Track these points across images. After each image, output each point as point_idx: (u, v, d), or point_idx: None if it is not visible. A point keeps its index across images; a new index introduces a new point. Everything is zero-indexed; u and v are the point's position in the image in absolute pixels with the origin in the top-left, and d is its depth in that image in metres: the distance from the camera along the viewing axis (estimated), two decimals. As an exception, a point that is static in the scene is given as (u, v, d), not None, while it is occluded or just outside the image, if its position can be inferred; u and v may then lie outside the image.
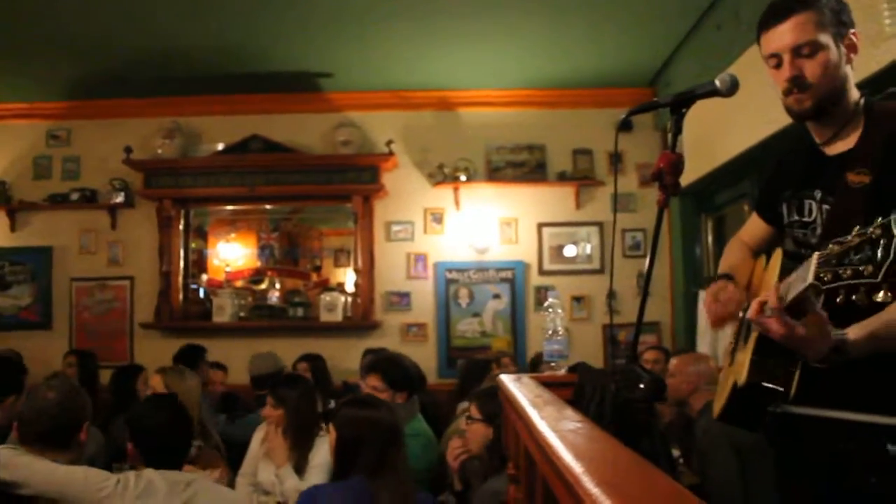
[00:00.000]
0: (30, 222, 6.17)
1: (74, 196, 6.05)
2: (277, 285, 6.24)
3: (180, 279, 5.99)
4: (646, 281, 1.83)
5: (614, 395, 2.03)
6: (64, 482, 2.39)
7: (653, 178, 1.74)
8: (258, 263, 6.30)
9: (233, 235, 6.35)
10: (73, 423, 2.59)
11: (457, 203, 5.90)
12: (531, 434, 1.46)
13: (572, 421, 1.44)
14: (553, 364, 3.27)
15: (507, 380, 2.35)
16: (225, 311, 5.78)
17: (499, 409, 2.66)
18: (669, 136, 1.77)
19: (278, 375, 5.00)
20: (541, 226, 5.93)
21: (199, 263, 6.26)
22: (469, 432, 2.86)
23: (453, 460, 3.13)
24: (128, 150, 5.83)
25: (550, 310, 3.37)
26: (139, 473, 2.48)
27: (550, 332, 3.31)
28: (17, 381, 3.08)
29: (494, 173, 5.97)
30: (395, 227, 5.93)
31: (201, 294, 6.14)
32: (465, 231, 5.89)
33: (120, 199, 6.00)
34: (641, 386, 1.62)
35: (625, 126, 5.88)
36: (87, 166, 6.17)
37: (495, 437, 2.71)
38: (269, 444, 3.51)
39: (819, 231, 1.74)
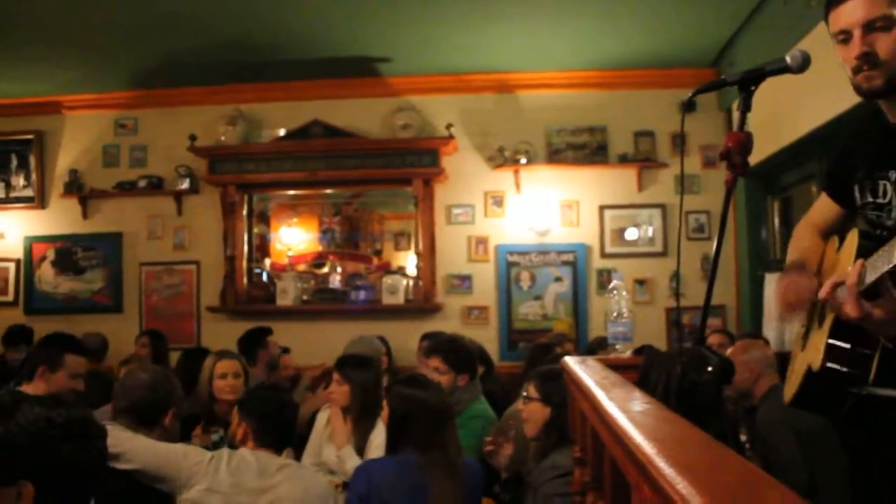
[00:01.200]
0: (100, 209, 6.42)
1: (142, 183, 6.26)
2: (339, 269, 6.35)
3: (244, 263, 6.16)
4: (713, 263, 1.83)
5: (681, 377, 2.05)
6: (164, 458, 2.54)
7: (721, 157, 1.74)
8: (320, 247, 6.43)
9: (294, 220, 6.50)
10: (160, 405, 2.75)
11: (517, 186, 5.93)
12: (600, 416, 1.46)
13: (641, 402, 1.46)
14: (618, 347, 3.29)
15: (572, 362, 2.37)
16: (288, 294, 5.93)
17: (557, 389, 2.70)
18: (737, 114, 1.76)
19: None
20: (602, 208, 5.93)
21: (262, 248, 6.42)
22: (526, 412, 2.90)
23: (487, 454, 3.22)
24: (192, 137, 6.01)
25: (615, 292, 3.39)
26: (234, 453, 2.61)
27: (615, 314, 3.34)
28: (55, 354, 3.23)
29: (555, 156, 5.98)
30: (455, 211, 5.99)
31: (265, 278, 6.28)
32: (525, 214, 5.92)
33: (185, 185, 6.19)
34: (710, 368, 1.61)
35: (689, 107, 5.81)
36: (153, 154, 6.38)
37: (552, 416, 2.74)
38: (332, 426, 3.60)
39: (894, 213, 1.73)
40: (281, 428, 2.72)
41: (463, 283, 5.97)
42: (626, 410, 1.31)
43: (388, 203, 6.43)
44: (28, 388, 3.03)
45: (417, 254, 5.93)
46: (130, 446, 2.51)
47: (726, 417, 3.26)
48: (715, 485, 0.81)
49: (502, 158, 5.91)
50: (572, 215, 5.95)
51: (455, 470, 2.59)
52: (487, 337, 5.69)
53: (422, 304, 5.86)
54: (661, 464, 0.88)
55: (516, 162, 5.87)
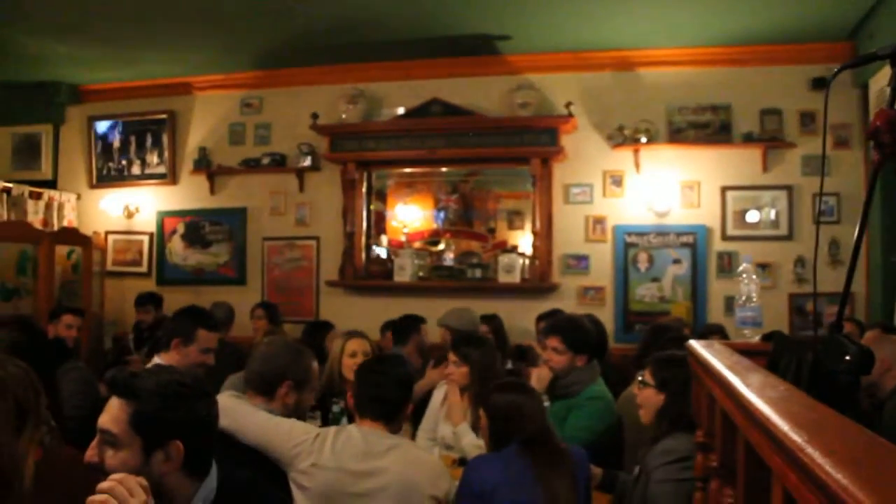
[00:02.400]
0: (227, 185, 6.74)
1: (266, 160, 6.52)
2: (453, 247, 6.45)
3: (363, 239, 6.34)
4: (855, 248, 1.74)
5: (814, 365, 2.01)
6: (272, 433, 2.60)
7: (868, 137, 1.67)
8: (434, 225, 6.55)
9: (411, 198, 6.61)
10: (274, 376, 2.76)
11: (637, 165, 5.88)
12: (737, 401, 1.41)
13: (781, 388, 1.41)
14: (746, 332, 3.24)
15: (698, 346, 2.35)
16: (405, 270, 6.07)
17: (673, 376, 2.69)
18: (887, 90, 1.69)
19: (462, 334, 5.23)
20: (724, 189, 5.81)
21: (378, 225, 6.57)
22: (640, 397, 2.88)
23: None
24: (314, 116, 6.21)
25: (744, 275, 3.33)
26: (342, 429, 2.65)
27: (743, 298, 3.28)
28: (188, 328, 3.37)
29: (676, 135, 5.89)
30: (573, 190, 5.99)
31: (382, 254, 6.44)
32: (645, 194, 5.87)
33: (307, 162, 6.41)
34: (847, 357, 1.54)
35: (818, 84, 5.64)
36: (276, 132, 6.64)
37: (666, 403, 2.72)
38: (449, 403, 3.68)
39: None
40: (386, 402, 2.66)
41: (580, 262, 5.97)
42: (766, 396, 1.26)
43: (504, 182, 6.47)
44: (164, 359, 3.21)
45: (534, 233, 5.96)
46: (246, 422, 2.59)
47: (862, 409, 3.16)
48: (873, 474, 0.79)
49: (622, 137, 5.86)
50: (693, 196, 5.85)
51: (563, 458, 2.59)
52: (603, 318, 5.62)
53: (537, 284, 5.89)
54: (812, 451, 0.87)
55: (636, 141, 5.82)
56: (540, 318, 5.33)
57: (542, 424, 2.69)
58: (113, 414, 1.67)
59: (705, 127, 5.87)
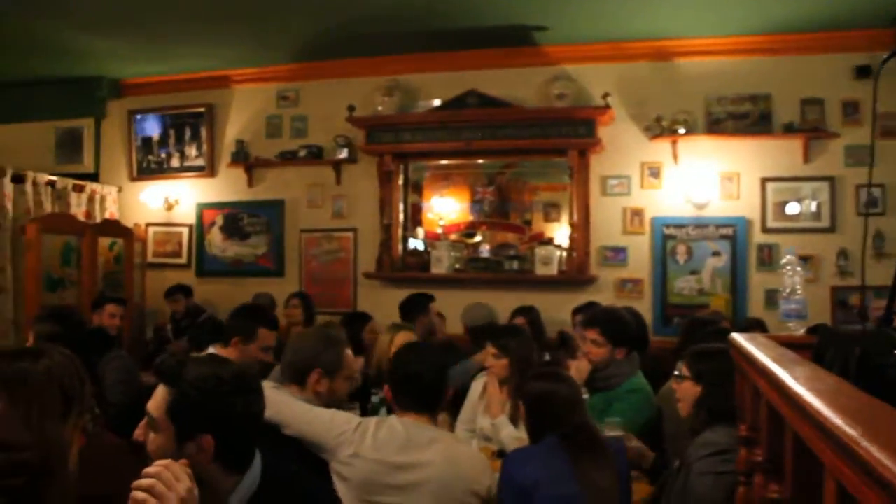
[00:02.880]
0: (264, 178, 6.83)
1: (302, 153, 6.59)
2: (489, 238, 6.47)
3: (400, 231, 6.38)
4: None
5: (861, 359, 1.98)
6: (313, 423, 2.61)
7: None
8: (471, 217, 6.56)
9: (447, 190, 6.63)
10: (304, 364, 2.79)
11: (675, 157, 5.84)
12: (784, 394, 1.41)
13: (829, 381, 1.40)
14: (790, 325, 3.22)
15: (741, 339, 2.33)
16: (442, 262, 6.10)
17: (709, 368, 2.68)
18: None
19: (494, 326, 5.26)
20: (764, 180, 5.75)
21: (415, 217, 6.61)
22: (679, 391, 2.87)
23: None
24: (350, 108, 6.26)
25: (788, 268, 3.32)
26: (383, 420, 2.64)
27: (787, 290, 3.27)
28: (249, 327, 3.43)
29: (715, 125, 5.84)
30: (611, 182, 5.97)
31: (419, 246, 6.47)
32: (683, 186, 5.83)
33: (343, 154, 6.47)
34: None
35: (862, 72, 5.55)
36: (313, 124, 6.71)
37: (703, 395, 2.71)
38: (487, 394, 3.70)
39: None
40: (417, 391, 2.64)
41: (617, 255, 5.95)
42: (815, 388, 1.25)
43: (540, 173, 6.45)
44: (222, 353, 3.26)
45: (571, 225, 5.95)
46: (288, 413, 2.60)
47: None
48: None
49: (660, 128, 5.83)
50: (732, 188, 5.80)
51: (603, 450, 2.60)
52: (641, 311, 5.60)
53: (575, 276, 5.89)
54: (868, 445, 0.87)
55: (674, 132, 5.77)
56: (576, 311, 5.33)
57: (579, 413, 2.70)
58: (157, 399, 1.73)
59: (744, 117, 5.81)
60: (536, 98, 6.11)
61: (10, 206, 5.96)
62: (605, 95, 5.75)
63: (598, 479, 2.48)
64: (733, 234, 5.75)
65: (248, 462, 1.77)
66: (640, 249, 5.92)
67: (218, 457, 1.69)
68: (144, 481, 1.37)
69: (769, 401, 1.63)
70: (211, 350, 3.40)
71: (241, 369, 1.82)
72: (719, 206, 5.80)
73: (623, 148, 5.96)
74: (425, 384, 2.65)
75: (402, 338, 3.89)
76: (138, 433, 1.76)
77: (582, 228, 5.91)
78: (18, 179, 6.09)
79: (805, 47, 5.67)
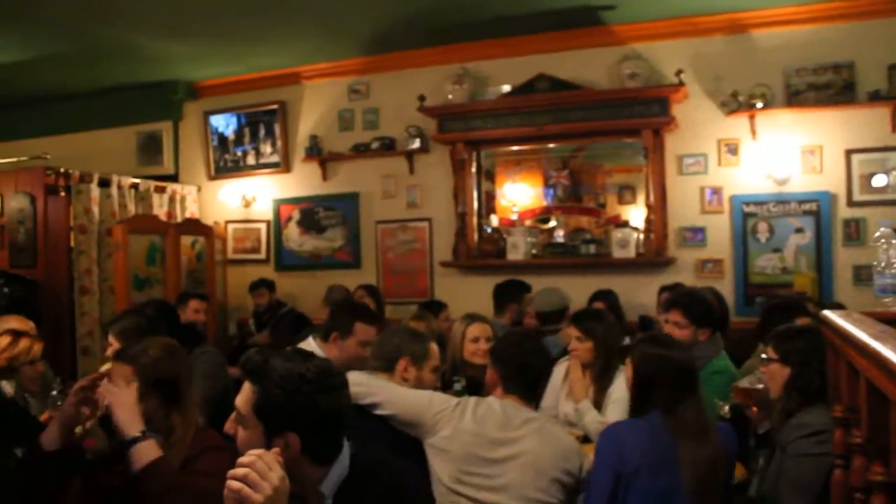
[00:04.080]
0: (338, 171, 6.98)
1: (375, 145, 6.70)
2: (563, 223, 6.47)
3: (474, 219, 6.43)
4: None
5: None
6: (412, 404, 2.74)
7: None
8: (543, 203, 6.55)
9: (519, 175, 6.65)
10: (392, 353, 3.00)
11: (753, 132, 5.72)
12: (888, 372, 1.40)
13: None
14: (886, 300, 3.14)
15: (835, 316, 2.29)
16: (518, 249, 6.13)
17: (795, 348, 2.65)
18: None
19: (564, 312, 5.28)
20: (849, 152, 5.58)
21: (488, 204, 6.65)
22: (767, 374, 2.83)
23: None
24: (421, 98, 6.33)
25: (883, 241, 3.23)
26: (482, 400, 2.72)
27: (882, 265, 3.18)
28: (347, 323, 3.52)
29: (794, 98, 5.70)
30: (686, 161, 5.89)
31: (495, 234, 6.49)
32: (762, 162, 5.71)
33: (416, 145, 6.54)
34: None
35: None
36: (385, 116, 6.81)
37: (792, 376, 2.66)
38: (571, 379, 3.70)
39: None
40: (528, 375, 2.77)
41: (696, 235, 5.87)
42: None
43: (613, 155, 6.42)
44: (323, 350, 3.39)
45: (647, 206, 5.90)
46: (385, 396, 2.75)
47: None
48: None
49: (736, 104, 5.71)
50: (815, 161, 5.65)
51: (706, 431, 2.54)
52: (722, 291, 5.53)
53: (653, 258, 5.84)
54: None
55: (752, 107, 5.65)
56: (663, 290, 5.31)
57: (690, 386, 2.63)
58: (244, 395, 1.78)
59: (826, 88, 5.64)
60: (607, 79, 6.06)
61: (96, 209, 6.24)
62: (679, 72, 5.67)
63: (701, 464, 2.44)
64: (817, 209, 5.60)
65: (335, 454, 1.82)
66: (720, 229, 5.83)
67: (305, 452, 1.74)
68: (239, 470, 1.43)
69: (869, 379, 1.61)
70: (311, 342, 3.51)
71: (324, 365, 1.85)
72: (801, 181, 5.66)
73: (698, 125, 5.87)
74: (536, 371, 2.82)
75: (475, 330, 3.90)
76: (229, 426, 1.82)
77: (659, 209, 5.85)
78: (104, 183, 6.37)
79: (890, 10, 5.45)
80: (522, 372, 2.78)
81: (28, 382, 3.36)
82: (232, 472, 1.43)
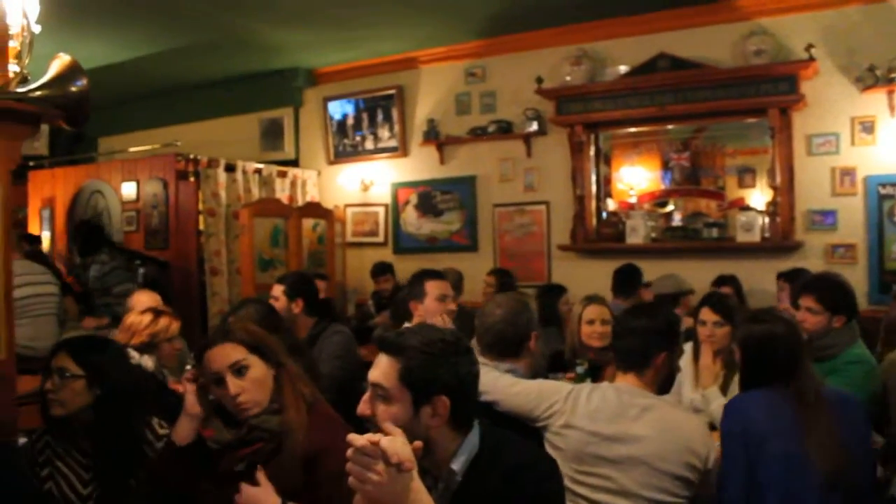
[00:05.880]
0: (455, 155, 7.12)
1: (492, 128, 6.80)
2: (681, 207, 6.41)
3: (593, 203, 6.44)
4: None
5: None
6: (521, 397, 2.70)
7: None
8: (661, 186, 6.49)
9: (638, 158, 6.60)
10: (520, 336, 2.93)
11: (892, 109, 5.48)
12: None
13: None
14: None
15: None
16: (638, 232, 6.11)
17: None
18: None
19: (680, 296, 5.24)
20: None
21: (605, 187, 6.62)
22: None
23: None
24: (539, 80, 6.38)
25: None
26: (595, 388, 2.61)
27: None
28: (418, 287, 3.66)
29: (940, 69, 5.42)
30: (816, 140, 5.71)
31: (614, 217, 6.48)
32: (901, 140, 5.48)
33: (533, 127, 6.60)
34: None
35: None
36: (502, 99, 6.90)
37: None
38: (701, 364, 3.68)
39: None
40: (635, 349, 2.58)
41: (825, 218, 5.69)
42: None
43: (734, 136, 6.26)
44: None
45: (773, 188, 5.76)
46: (498, 390, 2.71)
47: None
48: None
49: (873, 79, 5.48)
50: (961, 139, 5.39)
51: (822, 400, 2.48)
52: (855, 278, 5.34)
53: (779, 242, 5.71)
54: None
55: (891, 81, 5.41)
56: (781, 277, 5.20)
57: (802, 362, 2.56)
58: (383, 370, 1.81)
59: (974, 58, 5.35)
60: (731, 56, 5.93)
61: (223, 193, 6.61)
62: (809, 47, 5.49)
63: (826, 438, 2.38)
64: (961, 190, 5.35)
65: (472, 420, 1.89)
66: (852, 212, 5.62)
67: (450, 418, 1.81)
68: (366, 447, 1.49)
69: None
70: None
71: (454, 332, 1.96)
72: (944, 161, 5.41)
73: (830, 103, 5.67)
74: (640, 343, 2.60)
75: (591, 312, 3.92)
76: (363, 408, 1.84)
77: (786, 191, 5.70)
78: (230, 169, 6.74)
79: None
80: (625, 345, 2.64)
81: (166, 358, 3.67)
82: (356, 448, 1.51)
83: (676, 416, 2.53)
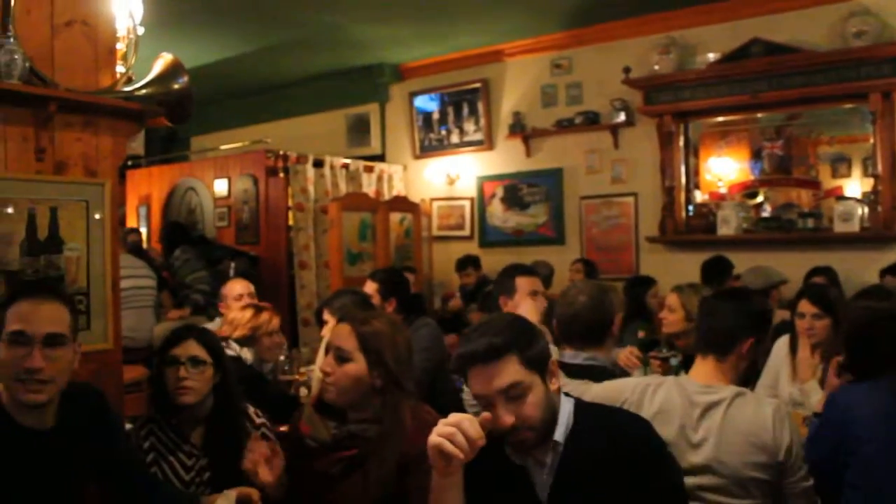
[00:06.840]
0: (541, 147, 7.13)
1: (578, 120, 6.78)
2: (771, 198, 6.27)
3: (682, 194, 6.35)
4: None
5: None
6: (600, 398, 2.56)
7: None
8: (751, 176, 6.35)
9: (727, 148, 6.46)
10: (603, 323, 2.87)
11: None
12: None
13: None
14: None
15: None
16: (730, 223, 6.00)
17: None
18: None
19: (770, 290, 5.12)
20: None
21: (694, 178, 6.51)
22: None
23: None
24: (626, 70, 6.32)
25: None
26: (662, 382, 2.41)
27: None
28: (507, 283, 3.63)
29: None
30: (923, 125, 5.49)
31: (704, 208, 6.38)
32: None
33: (621, 118, 6.55)
34: None
35: None
36: (588, 90, 6.87)
37: None
38: (799, 358, 3.60)
39: None
40: (717, 332, 2.38)
41: (933, 207, 5.48)
42: None
43: (828, 123, 6.07)
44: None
45: (874, 176, 5.57)
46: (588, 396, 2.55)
47: None
48: None
49: (981, 59, 5.25)
50: None
51: None
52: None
53: (881, 232, 5.52)
54: None
55: None
56: (885, 273, 5.02)
57: None
58: (506, 367, 1.83)
59: None
60: (829, 39, 5.74)
61: (311, 188, 6.77)
62: (915, 28, 5.29)
63: None
64: None
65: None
66: (964, 200, 5.40)
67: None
68: (446, 429, 1.63)
69: None
70: None
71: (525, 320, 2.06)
72: None
73: (936, 86, 5.45)
74: (721, 325, 2.40)
75: (669, 299, 3.89)
76: (506, 419, 1.82)
77: (888, 180, 5.50)
78: (318, 164, 6.89)
79: None
80: (714, 333, 2.42)
81: (265, 351, 3.80)
82: (438, 430, 1.65)
83: (745, 409, 2.25)
